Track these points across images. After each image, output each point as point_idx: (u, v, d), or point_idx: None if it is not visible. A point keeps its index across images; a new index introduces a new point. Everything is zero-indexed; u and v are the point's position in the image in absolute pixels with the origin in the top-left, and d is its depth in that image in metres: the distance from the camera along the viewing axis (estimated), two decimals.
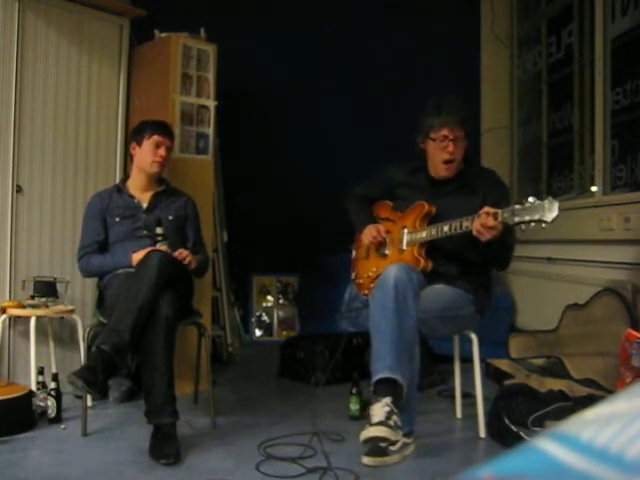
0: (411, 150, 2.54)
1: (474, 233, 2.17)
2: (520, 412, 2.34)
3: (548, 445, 0.33)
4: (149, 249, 2.51)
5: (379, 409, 2.04)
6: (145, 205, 2.80)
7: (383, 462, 2.20)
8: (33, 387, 2.66)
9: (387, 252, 2.54)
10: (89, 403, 2.69)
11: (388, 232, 2.54)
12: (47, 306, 2.86)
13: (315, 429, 2.38)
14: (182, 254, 2.57)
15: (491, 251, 2.26)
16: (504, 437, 2.34)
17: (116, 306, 2.32)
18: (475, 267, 2.41)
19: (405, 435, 2.24)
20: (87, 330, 2.68)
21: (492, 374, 3.37)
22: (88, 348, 2.55)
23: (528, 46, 4.70)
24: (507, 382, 2.88)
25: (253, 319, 4.83)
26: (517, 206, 2.08)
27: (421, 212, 2.44)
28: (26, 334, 2.83)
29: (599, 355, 3.02)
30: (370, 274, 2.54)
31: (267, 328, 4.84)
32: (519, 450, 0.33)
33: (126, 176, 2.96)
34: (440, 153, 2.42)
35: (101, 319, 2.60)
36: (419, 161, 2.55)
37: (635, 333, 2.61)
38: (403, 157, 2.63)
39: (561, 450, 0.32)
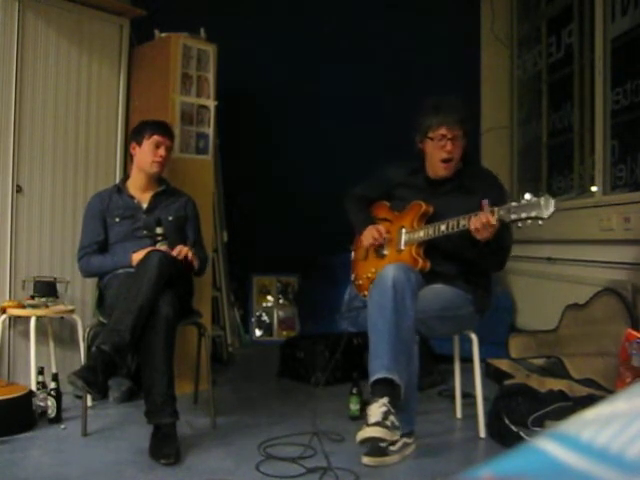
0: (411, 150, 2.54)
1: (472, 230, 2.17)
2: (520, 412, 2.34)
3: (548, 445, 0.33)
4: (149, 249, 2.51)
5: (376, 409, 2.04)
6: (145, 205, 2.80)
7: (383, 462, 2.20)
8: (33, 387, 2.66)
9: (385, 252, 2.54)
10: (89, 403, 2.69)
11: (387, 232, 2.54)
12: (47, 306, 2.86)
13: (315, 429, 2.38)
14: (182, 251, 2.57)
15: (489, 250, 2.26)
16: (504, 437, 2.34)
17: (116, 306, 2.32)
18: (473, 267, 2.41)
19: (405, 435, 2.24)
20: (87, 330, 2.68)
21: (492, 374, 3.37)
22: (88, 348, 2.55)
23: (528, 46, 4.71)
24: (507, 382, 2.88)
25: (253, 319, 4.83)
26: (513, 203, 2.09)
27: (418, 212, 2.44)
28: (26, 334, 2.83)
29: (599, 355, 3.02)
30: (369, 275, 2.54)
31: (267, 328, 4.85)
32: (519, 450, 0.33)
33: (126, 176, 2.96)
34: (438, 152, 2.42)
35: (101, 319, 2.60)
36: (417, 161, 2.55)
37: (635, 333, 2.61)
38: (403, 157, 2.63)
39: (561, 450, 0.32)
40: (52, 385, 2.62)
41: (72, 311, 2.92)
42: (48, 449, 2.32)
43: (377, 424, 2.00)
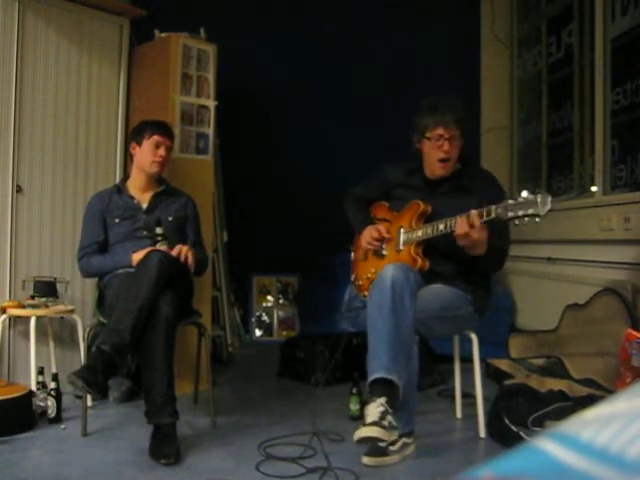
0: (410, 150, 2.54)
1: (455, 235, 2.19)
2: (520, 412, 2.34)
3: (548, 445, 0.33)
4: (149, 249, 2.51)
5: (374, 409, 2.04)
6: (145, 206, 2.80)
7: (383, 462, 2.20)
8: (33, 387, 2.66)
9: (385, 253, 2.54)
10: (89, 403, 2.69)
11: (387, 232, 2.54)
12: (47, 306, 2.86)
13: (315, 429, 2.38)
14: (183, 251, 2.57)
15: (488, 247, 2.26)
16: (504, 437, 2.34)
17: (116, 306, 2.32)
18: (473, 266, 2.41)
19: (405, 435, 2.24)
20: (87, 330, 2.68)
21: (492, 374, 3.37)
22: (88, 348, 2.55)
23: (528, 46, 4.71)
24: (507, 382, 2.88)
25: (253, 319, 4.83)
26: (510, 201, 2.09)
27: (417, 211, 2.44)
28: (26, 334, 2.83)
29: (599, 355, 3.02)
30: (369, 275, 2.54)
31: (267, 328, 4.84)
32: (519, 450, 0.33)
33: (126, 176, 2.96)
34: (436, 152, 2.42)
35: (101, 319, 2.60)
36: (415, 162, 2.56)
37: (635, 333, 2.61)
38: (403, 157, 2.63)
39: (561, 450, 0.32)
40: (52, 385, 2.62)
41: (72, 311, 2.92)
42: (48, 449, 2.32)
43: (374, 424, 2.00)
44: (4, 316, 2.85)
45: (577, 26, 3.98)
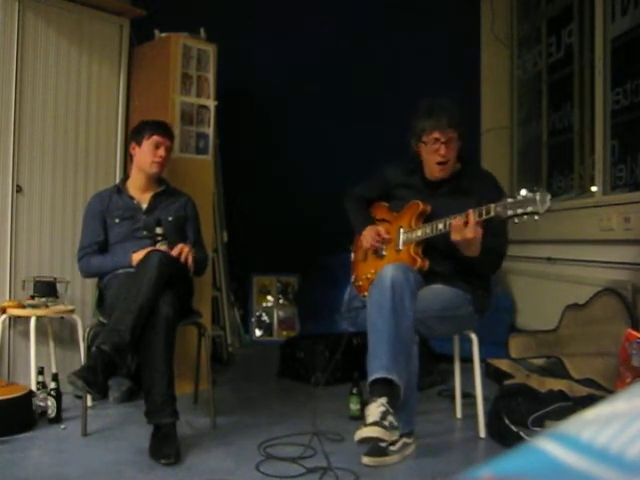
0: (410, 150, 2.54)
1: (450, 231, 2.20)
2: (520, 412, 2.34)
3: (548, 445, 0.33)
4: (149, 249, 2.51)
5: (374, 409, 2.04)
6: (145, 206, 2.80)
7: (383, 462, 2.20)
8: (33, 387, 2.66)
9: (384, 253, 2.55)
10: (89, 403, 2.69)
11: (386, 233, 2.54)
12: (47, 306, 2.86)
13: (315, 429, 2.38)
14: (183, 251, 2.57)
15: (483, 248, 2.26)
16: (504, 437, 2.34)
17: (116, 306, 2.32)
18: (472, 266, 2.41)
19: (405, 435, 2.24)
20: (87, 330, 2.68)
21: (492, 374, 3.37)
22: (88, 348, 2.55)
23: (528, 46, 4.71)
24: (507, 382, 2.88)
25: (253, 319, 4.83)
26: (509, 200, 2.10)
27: (416, 211, 2.45)
28: (26, 334, 2.83)
29: (599, 355, 3.02)
30: (369, 276, 2.54)
31: (267, 328, 4.85)
32: (519, 450, 0.33)
33: (126, 176, 2.96)
34: (433, 156, 2.43)
35: (101, 319, 2.60)
36: (415, 162, 2.56)
37: (635, 333, 2.61)
38: (402, 157, 2.63)
39: (561, 450, 0.32)
40: (52, 385, 2.62)
41: (72, 311, 2.92)
42: (48, 449, 2.32)
43: (375, 424, 2.00)
44: (4, 316, 2.85)
45: (577, 26, 3.98)
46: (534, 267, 4.04)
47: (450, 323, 2.40)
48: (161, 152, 2.76)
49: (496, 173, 2.71)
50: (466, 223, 2.16)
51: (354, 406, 2.74)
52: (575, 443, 0.32)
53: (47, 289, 2.91)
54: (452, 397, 2.87)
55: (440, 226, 2.30)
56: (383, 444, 2.15)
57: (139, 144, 2.77)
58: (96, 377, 2.13)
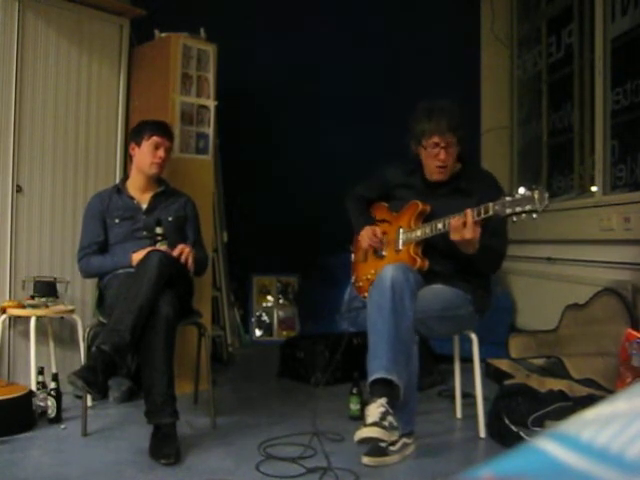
0: (410, 151, 2.54)
1: (450, 230, 2.20)
2: (520, 412, 2.34)
3: (548, 445, 0.33)
4: (149, 249, 2.51)
5: (374, 409, 2.04)
6: (145, 206, 2.80)
7: (383, 462, 2.20)
8: (33, 387, 2.66)
9: (384, 253, 2.54)
10: (89, 403, 2.69)
11: (385, 233, 2.54)
12: (47, 306, 2.85)
13: (315, 429, 2.38)
14: (184, 251, 2.57)
15: (483, 247, 2.26)
16: (504, 437, 2.34)
17: (116, 306, 2.32)
18: (472, 266, 2.41)
19: (405, 435, 2.24)
20: (87, 330, 2.68)
21: (492, 374, 3.37)
22: (88, 348, 2.55)
23: (528, 46, 4.71)
24: (507, 382, 2.88)
25: (253, 319, 4.83)
26: (508, 198, 2.10)
27: (416, 211, 2.45)
28: (26, 334, 2.83)
29: (599, 355, 3.02)
30: (369, 276, 2.54)
31: (267, 328, 4.84)
32: (519, 450, 0.33)
33: (126, 176, 2.96)
34: (432, 160, 2.43)
35: (101, 319, 2.60)
36: (415, 163, 2.55)
37: (635, 333, 2.61)
38: (402, 158, 2.63)
39: (561, 450, 0.32)
40: (52, 385, 2.62)
41: (72, 311, 2.92)
42: (48, 449, 2.32)
43: (375, 424, 2.00)
44: (4, 316, 2.85)
45: (577, 26, 3.98)
46: (534, 267, 4.04)
47: (450, 323, 2.40)
48: (160, 153, 2.75)
49: (496, 173, 2.70)
50: (465, 223, 2.16)
51: (354, 406, 2.74)
52: (575, 443, 0.32)
53: (47, 289, 2.91)
54: (452, 397, 2.87)
55: (439, 226, 2.30)
56: (383, 444, 2.15)
57: (138, 145, 2.77)
58: (96, 377, 2.13)
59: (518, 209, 2.07)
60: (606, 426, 0.32)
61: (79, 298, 3.17)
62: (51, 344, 3.01)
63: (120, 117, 3.37)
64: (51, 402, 2.59)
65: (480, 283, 2.46)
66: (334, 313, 3.87)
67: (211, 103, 3.37)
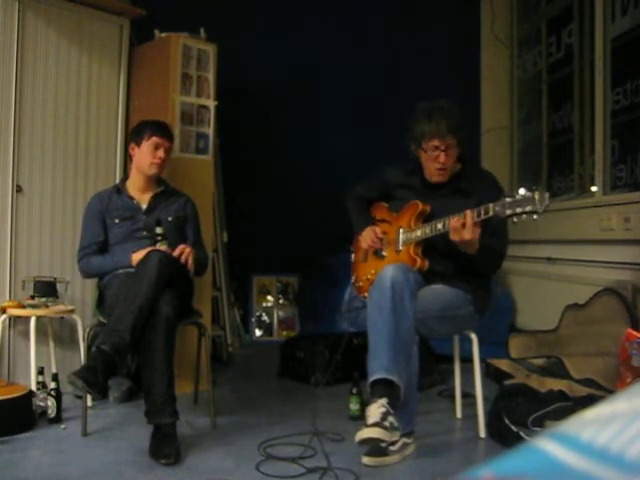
0: (410, 151, 2.54)
1: (450, 230, 2.20)
2: (520, 412, 2.34)
3: (548, 445, 0.33)
4: (149, 249, 2.51)
5: (375, 410, 2.04)
6: (145, 206, 2.80)
7: (383, 462, 2.20)
8: (33, 387, 2.66)
9: (384, 253, 2.54)
10: (89, 403, 2.69)
11: (385, 233, 2.54)
12: (47, 306, 2.86)
13: (315, 429, 2.38)
14: (185, 252, 2.57)
15: (483, 247, 2.26)
16: (504, 437, 2.34)
17: (116, 306, 2.32)
18: (472, 266, 2.41)
19: (405, 435, 2.24)
20: (87, 330, 2.68)
21: (492, 374, 3.37)
22: (88, 348, 2.55)
23: (528, 46, 4.71)
24: (507, 382, 2.88)
25: (253, 319, 4.83)
26: (508, 199, 2.10)
27: (415, 211, 2.44)
28: (26, 334, 2.83)
29: (599, 355, 3.02)
30: (369, 276, 2.54)
31: (267, 328, 4.84)
32: (519, 450, 0.33)
33: (126, 176, 2.96)
34: (432, 163, 2.42)
35: (101, 319, 2.60)
36: (415, 163, 2.55)
37: (635, 333, 2.61)
38: (402, 158, 2.63)
39: (561, 450, 0.32)
40: (52, 385, 2.62)
41: (72, 311, 2.92)
42: (48, 449, 2.32)
43: (376, 425, 2.00)
44: (4, 316, 2.85)
45: (577, 26, 3.98)
46: (534, 267, 4.04)
47: (450, 323, 2.40)
48: (160, 153, 2.75)
49: (496, 173, 2.70)
50: (464, 224, 2.16)
51: (354, 406, 2.74)
52: (575, 443, 0.32)
53: (47, 289, 2.91)
54: (452, 397, 2.87)
55: (439, 226, 2.30)
56: (383, 444, 2.15)
57: (138, 145, 2.77)
58: (96, 377, 2.13)
59: (518, 210, 2.06)
60: (606, 426, 0.32)
61: (79, 298, 3.17)
62: (51, 344, 3.01)
63: (120, 117, 3.37)
64: (51, 402, 2.59)
65: (480, 283, 2.46)
66: (334, 313, 3.87)
67: (211, 103, 3.37)
